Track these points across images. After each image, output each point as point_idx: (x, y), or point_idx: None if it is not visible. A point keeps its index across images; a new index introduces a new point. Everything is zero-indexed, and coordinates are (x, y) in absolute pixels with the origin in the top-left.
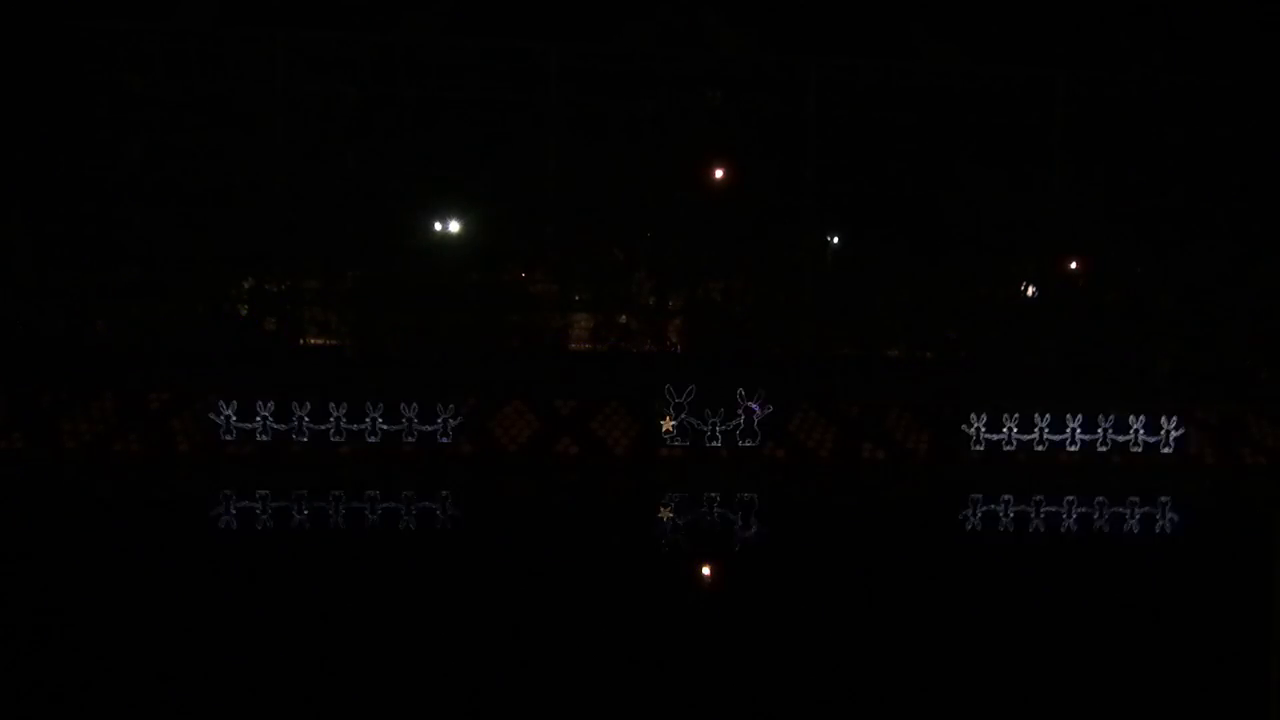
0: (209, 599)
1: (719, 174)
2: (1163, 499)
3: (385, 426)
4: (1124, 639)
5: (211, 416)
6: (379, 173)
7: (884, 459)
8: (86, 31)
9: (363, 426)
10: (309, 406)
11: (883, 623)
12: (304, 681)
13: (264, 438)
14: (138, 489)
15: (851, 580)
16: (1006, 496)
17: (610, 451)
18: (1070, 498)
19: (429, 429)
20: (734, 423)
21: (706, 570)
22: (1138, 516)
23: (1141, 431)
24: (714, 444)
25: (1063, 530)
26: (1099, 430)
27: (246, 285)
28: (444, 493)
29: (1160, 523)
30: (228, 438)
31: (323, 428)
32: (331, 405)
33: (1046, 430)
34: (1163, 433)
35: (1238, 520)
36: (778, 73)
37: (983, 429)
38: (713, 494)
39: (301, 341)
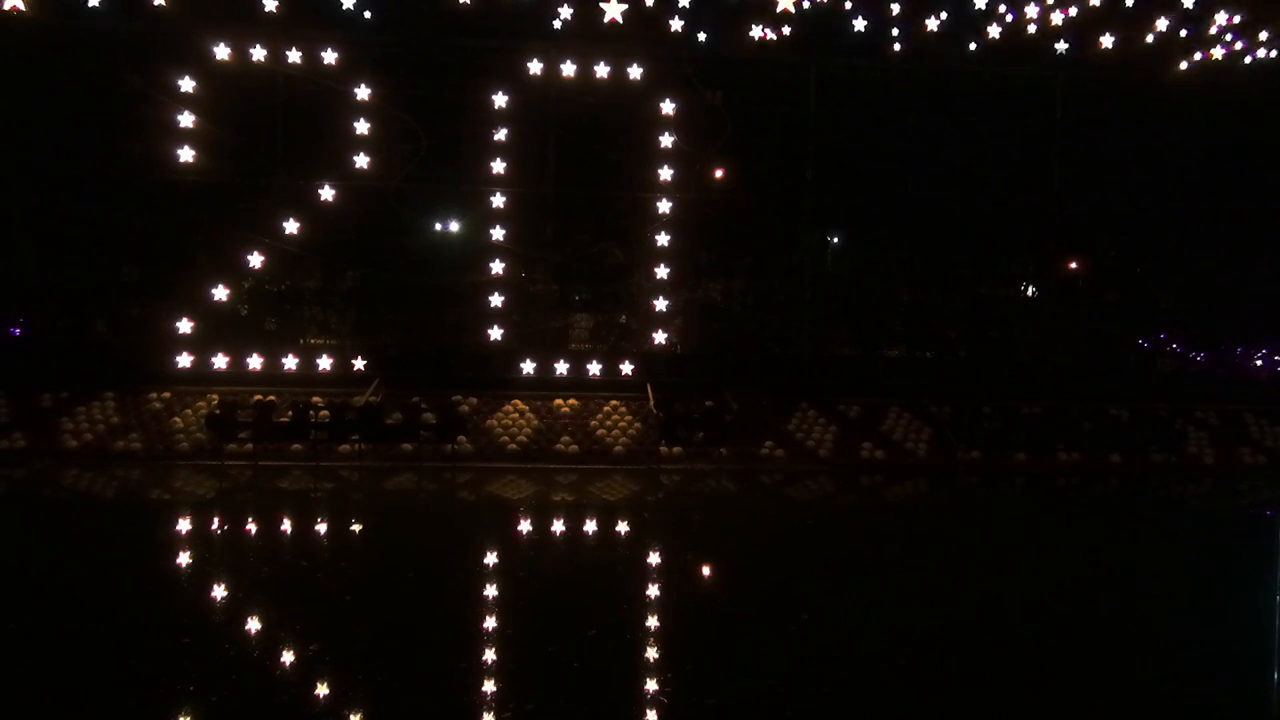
0: (207, 599)
1: (719, 174)
2: (1163, 500)
3: (385, 425)
4: (1124, 640)
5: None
6: (379, 172)
7: (884, 459)
8: (87, 31)
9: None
10: (308, 405)
11: (883, 624)
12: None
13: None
14: (138, 488)
15: (852, 581)
16: (1006, 497)
17: (610, 450)
18: (1069, 498)
19: (429, 428)
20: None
21: (707, 570)
22: (1137, 517)
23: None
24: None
25: (1061, 531)
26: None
27: (246, 285)
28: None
29: (1160, 524)
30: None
31: (323, 426)
32: (331, 404)
33: (1045, 430)
34: (1163, 433)
35: (1237, 520)
36: (778, 72)
37: (983, 428)
38: (714, 493)
39: (302, 341)
